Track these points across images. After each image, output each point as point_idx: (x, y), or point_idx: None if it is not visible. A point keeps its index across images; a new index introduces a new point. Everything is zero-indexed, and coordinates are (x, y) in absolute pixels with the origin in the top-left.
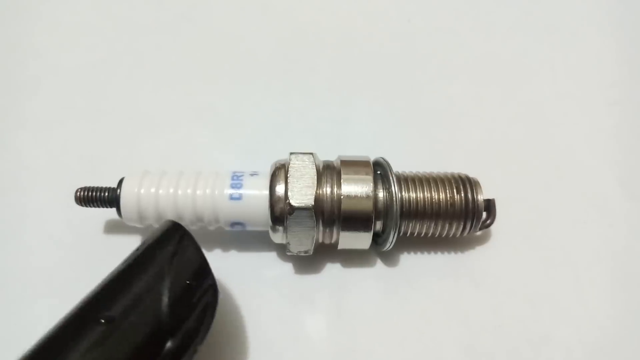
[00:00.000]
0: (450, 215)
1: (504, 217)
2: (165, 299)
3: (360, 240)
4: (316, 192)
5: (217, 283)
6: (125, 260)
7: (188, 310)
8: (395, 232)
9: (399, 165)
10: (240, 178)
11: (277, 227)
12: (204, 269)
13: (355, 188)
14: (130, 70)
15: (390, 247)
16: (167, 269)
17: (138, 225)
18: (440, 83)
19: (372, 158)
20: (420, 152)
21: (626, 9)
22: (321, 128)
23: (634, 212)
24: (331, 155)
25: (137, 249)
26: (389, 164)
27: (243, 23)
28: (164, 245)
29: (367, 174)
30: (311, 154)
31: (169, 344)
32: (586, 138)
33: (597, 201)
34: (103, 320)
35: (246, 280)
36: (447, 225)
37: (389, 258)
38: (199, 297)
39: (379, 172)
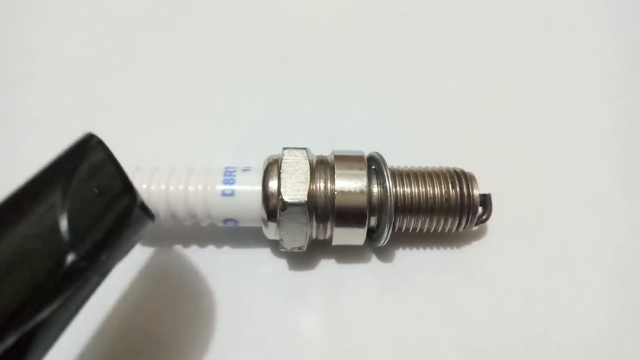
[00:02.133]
0: (445, 210)
1: (500, 212)
2: (65, 211)
3: (355, 236)
4: (309, 188)
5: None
6: (29, 176)
7: (94, 221)
8: (389, 228)
9: (394, 160)
10: (232, 174)
11: (270, 223)
12: (117, 178)
13: (349, 183)
14: (123, 65)
15: (385, 242)
16: (69, 178)
17: None
18: (435, 77)
19: (366, 153)
20: (415, 147)
21: (624, 3)
22: (315, 123)
23: (631, 208)
24: (326, 151)
25: (54, 156)
26: (383, 159)
27: (237, 18)
28: (70, 156)
29: (361, 169)
30: (304, 149)
31: (70, 257)
32: (584, 133)
33: (594, 197)
34: None
35: (240, 276)
36: (442, 221)
37: (384, 254)
38: (109, 208)
39: (373, 167)
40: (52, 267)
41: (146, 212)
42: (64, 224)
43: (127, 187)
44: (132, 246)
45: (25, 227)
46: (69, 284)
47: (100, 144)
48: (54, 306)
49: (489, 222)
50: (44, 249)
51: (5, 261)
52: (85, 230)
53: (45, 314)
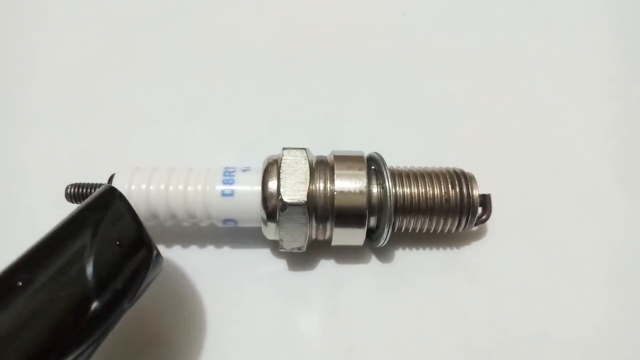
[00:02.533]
0: (445, 211)
1: (500, 213)
2: (90, 260)
3: (354, 236)
4: (309, 188)
5: (161, 249)
6: (56, 225)
7: (116, 271)
8: (389, 228)
9: (394, 160)
10: (232, 174)
11: (270, 223)
12: (136, 231)
13: (349, 184)
14: (122, 65)
15: (385, 243)
16: (94, 230)
17: None
18: (435, 77)
19: (366, 153)
20: (415, 147)
21: (624, 3)
22: (315, 123)
23: (631, 208)
24: (325, 151)
25: (75, 210)
26: (383, 159)
27: (237, 17)
28: (94, 208)
29: (360, 169)
30: (304, 149)
31: (95, 304)
32: (584, 133)
33: (594, 197)
34: (20, 283)
35: (239, 277)
36: (442, 221)
37: (384, 254)
38: (129, 258)
39: (373, 167)
40: (78, 313)
41: (159, 257)
42: (89, 272)
43: (145, 239)
44: (147, 288)
45: (54, 273)
46: (92, 330)
47: (121, 198)
48: (77, 351)
49: (488, 223)
50: (70, 295)
51: (35, 307)
52: (108, 279)
53: (69, 358)
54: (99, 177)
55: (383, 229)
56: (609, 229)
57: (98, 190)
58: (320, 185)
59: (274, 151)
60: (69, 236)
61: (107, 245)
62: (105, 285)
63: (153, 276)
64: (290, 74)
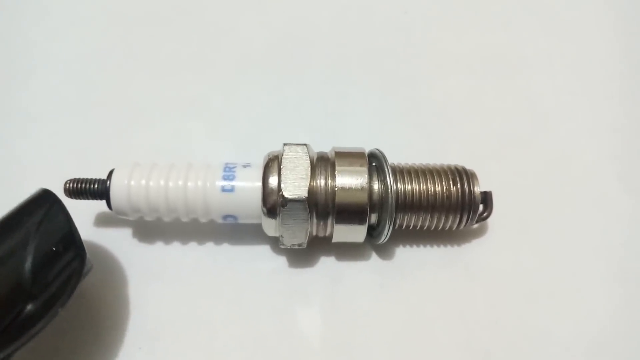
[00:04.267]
0: (446, 208)
1: (501, 210)
2: (27, 263)
3: (355, 233)
4: (310, 184)
5: (87, 251)
6: None
7: (51, 275)
8: (390, 225)
9: (395, 157)
10: (232, 170)
11: (270, 219)
12: (71, 237)
13: (350, 180)
14: (121, 61)
15: (386, 240)
16: (32, 234)
17: (128, 218)
18: (436, 75)
19: (367, 150)
20: (416, 144)
21: (626, 2)
22: (316, 120)
23: (633, 207)
24: (326, 147)
25: (9, 214)
26: (384, 156)
27: (237, 14)
28: (31, 211)
29: (361, 165)
30: (305, 145)
31: (29, 307)
32: (585, 131)
33: (596, 195)
34: None
35: (239, 273)
36: (443, 218)
37: (384, 251)
38: (64, 263)
39: (374, 163)
40: (14, 313)
41: (89, 262)
42: (27, 275)
43: (80, 246)
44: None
45: None
46: (25, 330)
47: (58, 203)
48: (8, 350)
49: (489, 220)
50: (7, 295)
51: None
52: (45, 283)
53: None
54: (98, 173)
55: (384, 226)
56: (610, 227)
57: (34, 193)
58: (321, 182)
59: (275, 147)
60: (4, 237)
61: (43, 248)
62: (42, 288)
63: (83, 280)
64: (291, 70)
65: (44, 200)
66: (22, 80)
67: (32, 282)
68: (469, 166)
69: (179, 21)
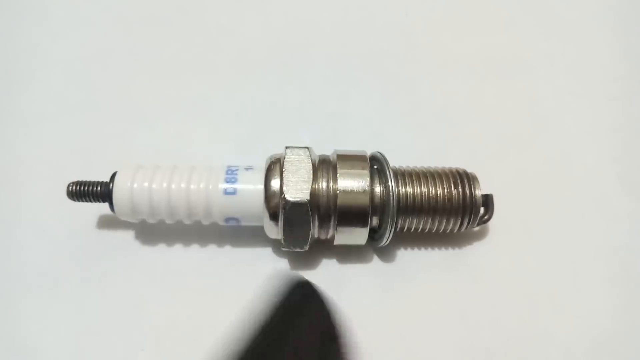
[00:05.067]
0: (447, 211)
1: (502, 213)
2: None
3: (357, 235)
4: (312, 187)
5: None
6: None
7: None
8: (392, 228)
9: (396, 159)
10: (235, 172)
11: (272, 222)
12: (339, 343)
13: (352, 183)
14: (123, 63)
15: (387, 242)
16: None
17: (131, 220)
18: (437, 77)
19: (368, 152)
20: (417, 146)
21: (627, 4)
22: (318, 122)
23: (633, 209)
24: (328, 150)
25: (270, 317)
26: (385, 159)
27: (238, 16)
28: (295, 308)
29: (363, 168)
30: (307, 148)
31: None
32: (586, 133)
33: (596, 197)
34: None
35: (241, 276)
36: (444, 221)
37: (386, 254)
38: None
39: (375, 166)
40: None
41: None
42: None
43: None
44: None
45: None
46: None
47: (318, 296)
48: None
49: (490, 223)
50: None
51: None
52: None
53: None
54: (101, 175)
55: (385, 229)
56: (611, 229)
57: (290, 282)
58: (323, 184)
59: (276, 150)
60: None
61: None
62: None
63: None
64: (292, 71)
65: (304, 295)
66: (25, 82)
67: None
68: (470, 168)
69: (181, 23)
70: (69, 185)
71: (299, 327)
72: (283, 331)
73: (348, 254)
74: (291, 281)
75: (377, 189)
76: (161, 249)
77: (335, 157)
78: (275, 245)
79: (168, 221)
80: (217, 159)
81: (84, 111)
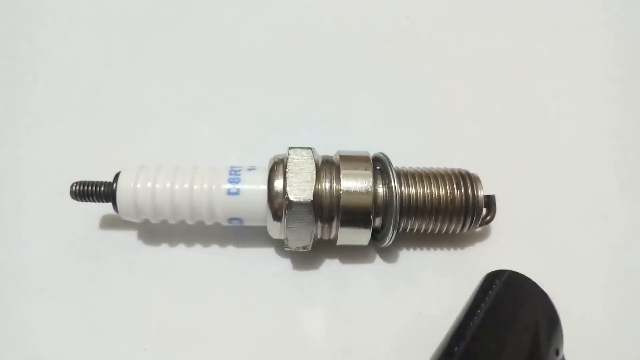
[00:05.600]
0: (450, 211)
1: (504, 214)
2: None
3: (360, 236)
4: (315, 187)
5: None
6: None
7: None
8: (394, 228)
9: (399, 160)
10: (238, 173)
11: (275, 222)
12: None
13: (355, 183)
14: (127, 64)
15: (390, 243)
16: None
17: (134, 220)
18: (439, 79)
19: (371, 153)
20: (420, 148)
21: (625, 5)
22: (320, 123)
23: (634, 210)
24: (331, 151)
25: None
26: (388, 159)
27: (241, 18)
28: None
29: (366, 169)
30: (310, 148)
31: None
32: (586, 135)
33: (597, 198)
34: None
35: (244, 276)
36: (446, 221)
37: (388, 254)
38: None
39: (378, 167)
40: None
41: None
42: None
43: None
44: None
45: None
46: None
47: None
48: None
49: (492, 223)
50: None
51: None
52: None
53: None
54: (105, 175)
55: (388, 229)
56: (612, 230)
57: (504, 278)
58: (326, 185)
59: (279, 151)
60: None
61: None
62: None
63: None
64: (296, 74)
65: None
66: (29, 83)
67: None
68: (472, 169)
69: (185, 25)
70: (72, 185)
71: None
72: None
73: (351, 254)
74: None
75: (380, 189)
76: (164, 249)
77: (338, 157)
78: (278, 245)
79: (171, 221)
80: (221, 160)
81: (87, 112)
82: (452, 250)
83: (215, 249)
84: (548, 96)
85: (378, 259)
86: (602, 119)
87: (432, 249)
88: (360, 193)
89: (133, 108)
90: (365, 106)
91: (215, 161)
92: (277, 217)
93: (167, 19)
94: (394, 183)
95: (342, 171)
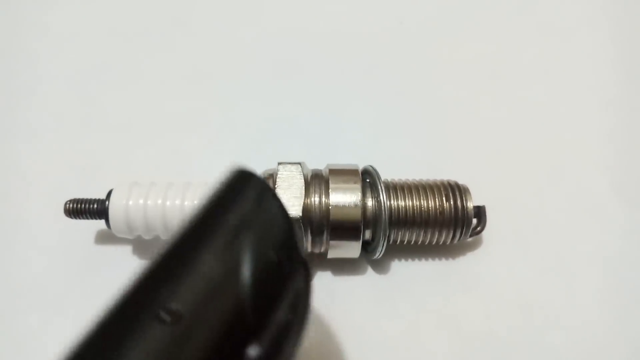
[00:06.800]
0: (439, 223)
1: (495, 223)
2: (247, 284)
3: (350, 249)
4: (304, 202)
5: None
6: (190, 224)
7: (277, 299)
8: (384, 241)
9: (391, 169)
10: None
11: None
12: (290, 240)
13: (344, 197)
14: (121, 78)
15: (380, 255)
16: (247, 238)
17: (128, 237)
18: (430, 87)
19: (361, 165)
20: (411, 157)
21: (620, 9)
22: (312, 135)
23: (626, 217)
24: (321, 162)
25: (204, 207)
26: (377, 172)
27: (233, 31)
28: (239, 201)
29: (355, 182)
30: (299, 163)
31: (253, 350)
32: (579, 141)
33: (589, 206)
34: (167, 318)
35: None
36: (436, 233)
37: (380, 265)
38: (288, 279)
39: (367, 180)
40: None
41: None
42: (248, 303)
43: (300, 252)
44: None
45: (208, 306)
46: None
47: (274, 196)
48: None
49: (484, 233)
50: (225, 336)
51: (185, 352)
52: (268, 314)
53: None
54: (98, 191)
55: (378, 242)
56: (605, 237)
57: (231, 174)
58: (315, 199)
59: (272, 163)
60: (213, 244)
61: (264, 263)
62: (265, 323)
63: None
64: (286, 85)
65: (249, 186)
66: (24, 96)
67: (253, 312)
68: (463, 178)
69: (177, 37)
70: (66, 203)
71: (242, 226)
72: (218, 228)
73: (342, 266)
74: (235, 175)
75: (369, 202)
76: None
77: (327, 171)
78: None
79: (163, 237)
80: (212, 173)
81: (81, 125)
82: (443, 260)
83: None
84: (541, 102)
85: (370, 271)
86: (596, 126)
87: (424, 260)
88: (350, 207)
89: (127, 122)
90: (357, 117)
91: (209, 174)
92: None
93: (160, 32)
94: (383, 196)
95: (331, 185)
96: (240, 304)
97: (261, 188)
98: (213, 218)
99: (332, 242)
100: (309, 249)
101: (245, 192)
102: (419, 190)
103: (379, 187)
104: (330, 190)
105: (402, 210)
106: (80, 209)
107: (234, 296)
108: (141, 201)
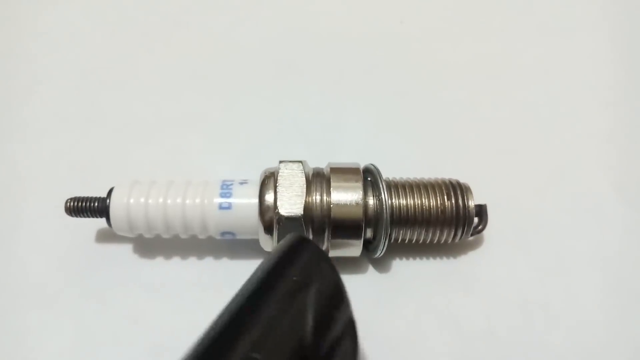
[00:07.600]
0: (441, 222)
1: (497, 222)
2: (308, 333)
3: (351, 248)
4: (305, 201)
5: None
6: (257, 285)
7: (331, 351)
8: (385, 239)
9: (392, 168)
10: (229, 187)
11: (268, 236)
12: (341, 298)
13: (345, 196)
14: (121, 78)
15: (382, 253)
16: (307, 298)
17: (128, 235)
18: (431, 86)
19: (363, 164)
20: (413, 156)
21: (620, 10)
22: (313, 134)
23: (627, 217)
24: (322, 161)
25: (267, 267)
26: (378, 171)
27: (234, 30)
28: (297, 263)
29: (356, 181)
30: (300, 162)
31: None
32: (580, 142)
33: (590, 206)
34: None
35: (238, 289)
36: (438, 232)
37: (381, 264)
38: (340, 332)
39: (369, 178)
40: None
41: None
42: (309, 352)
43: (350, 310)
44: None
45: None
46: None
47: (327, 258)
48: None
49: (485, 232)
50: None
51: None
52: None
53: None
54: (99, 190)
55: (380, 240)
56: (605, 237)
57: (288, 241)
58: (316, 198)
59: (272, 162)
60: (281, 301)
61: (320, 317)
62: None
63: None
64: (287, 85)
65: (304, 251)
66: (23, 97)
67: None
68: (464, 177)
69: (177, 37)
70: (67, 202)
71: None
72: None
73: (343, 264)
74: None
75: (371, 201)
76: (159, 263)
77: (328, 170)
78: None
79: (165, 236)
80: (214, 172)
81: (82, 126)
82: (445, 259)
83: (209, 261)
84: (541, 103)
85: (371, 269)
86: (596, 126)
87: (425, 259)
88: (351, 205)
89: (127, 122)
90: (358, 115)
91: (209, 174)
92: (268, 230)
93: (159, 34)
94: (384, 195)
95: (332, 184)
96: (302, 352)
97: (316, 252)
98: (277, 277)
99: (333, 241)
100: None
101: (302, 254)
102: (420, 188)
103: (381, 186)
104: (331, 188)
105: (403, 208)
106: (81, 207)
107: (299, 343)
108: (142, 199)
